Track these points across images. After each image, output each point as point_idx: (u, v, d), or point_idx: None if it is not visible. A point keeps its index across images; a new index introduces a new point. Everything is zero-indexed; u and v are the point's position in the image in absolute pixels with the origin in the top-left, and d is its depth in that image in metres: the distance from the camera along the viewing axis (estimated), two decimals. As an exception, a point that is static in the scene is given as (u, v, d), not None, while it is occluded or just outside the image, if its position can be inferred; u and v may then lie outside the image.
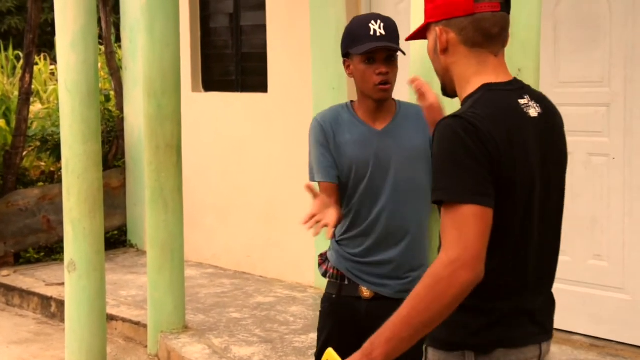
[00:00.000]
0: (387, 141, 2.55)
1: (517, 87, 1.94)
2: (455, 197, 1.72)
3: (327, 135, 2.62)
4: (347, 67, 2.60)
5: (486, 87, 1.86)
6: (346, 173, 2.59)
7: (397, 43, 2.53)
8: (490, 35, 1.86)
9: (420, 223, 2.59)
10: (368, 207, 2.58)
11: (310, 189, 2.50)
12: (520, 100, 1.90)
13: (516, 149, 1.80)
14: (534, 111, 1.92)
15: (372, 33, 2.50)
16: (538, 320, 1.98)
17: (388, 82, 2.52)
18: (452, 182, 1.74)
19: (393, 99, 2.63)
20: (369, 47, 2.47)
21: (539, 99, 1.99)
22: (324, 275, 2.70)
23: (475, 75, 1.88)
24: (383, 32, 2.50)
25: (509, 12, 1.91)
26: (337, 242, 2.66)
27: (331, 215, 2.45)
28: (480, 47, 1.87)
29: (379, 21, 2.52)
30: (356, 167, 2.57)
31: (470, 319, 1.82)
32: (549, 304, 2.07)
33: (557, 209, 1.97)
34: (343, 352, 2.55)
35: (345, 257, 2.62)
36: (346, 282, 2.61)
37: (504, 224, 1.79)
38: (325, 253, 2.73)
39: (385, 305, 2.51)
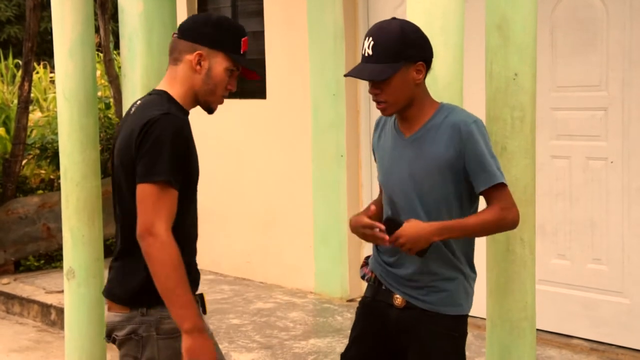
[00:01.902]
0: (410, 149, 2.49)
1: (150, 93, 2.52)
2: None
3: (374, 138, 2.66)
4: None
5: None
6: (380, 176, 2.60)
7: (388, 61, 2.39)
8: (169, 54, 2.52)
9: None
10: (392, 214, 2.54)
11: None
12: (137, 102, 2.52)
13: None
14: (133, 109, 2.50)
15: (362, 52, 2.45)
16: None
17: (381, 101, 2.45)
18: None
19: (436, 103, 2.51)
20: (348, 73, 2.47)
21: (141, 103, 2.49)
22: (363, 277, 2.67)
23: None
24: (370, 52, 2.41)
25: (185, 38, 2.47)
26: (375, 246, 2.62)
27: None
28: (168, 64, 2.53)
29: (370, 38, 2.43)
30: (386, 172, 2.57)
31: None
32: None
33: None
34: (369, 356, 2.58)
35: (380, 263, 2.59)
36: (383, 287, 2.57)
37: None
38: (369, 256, 2.69)
39: (416, 317, 2.51)
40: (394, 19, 2.47)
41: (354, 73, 2.44)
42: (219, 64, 2.47)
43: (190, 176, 2.46)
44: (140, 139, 2.33)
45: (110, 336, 2.50)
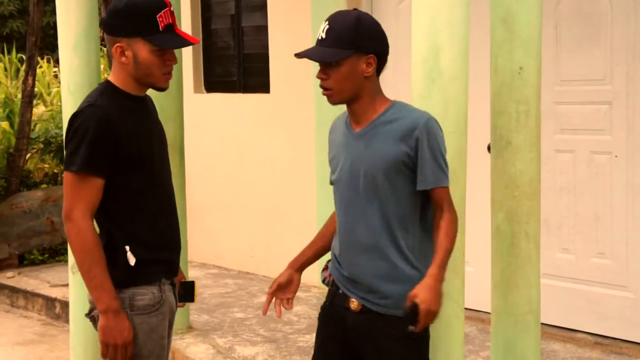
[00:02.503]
0: (360, 143, 2.45)
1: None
2: None
3: (329, 138, 2.62)
4: None
5: None
6: (332, 172, 2.57)
7: (339, 46, 2.37)
8: None
9: (380, 234, 2.43)
10: (340, 211, 2.52)
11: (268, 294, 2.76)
12: None
13: None
14: None
15: (318, 36, 2.44)
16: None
17: (326, 88, 2.43)
18: None
19: (388, 101, 2.48)
20: (299, 53, 2.44)
21: None
22: (323, 281, 2.66)
23: None
24: (323, 36, 2.41)
25: (106, 33, 2.52)
26: (332, 247, 2.61)
27: (289, 290, 2.76)
28: None
29: (326, 22, 2.43)
30: (334, 168, 2.54)
31: None
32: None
33: None
34: None
35: (337, 267, 2.56)
36: (340, 291, 2.54)
37: None
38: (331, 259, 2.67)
39: (371, 320, 2.45)
40: (354, 9, 2.47)
41: (305, 53, 2.43)
42: (141, 50, 2.49)
43: (132, 161, 2.51)
44: (66, 131, 2.51)
45: (90, 314, 2.61)
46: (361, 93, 2.44)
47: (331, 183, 2.59)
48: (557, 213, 4.57)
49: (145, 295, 2.53)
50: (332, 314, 2.57)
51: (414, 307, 2.27)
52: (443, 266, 2.34)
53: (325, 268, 2.65)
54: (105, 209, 2.50)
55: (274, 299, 2.72)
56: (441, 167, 2.39)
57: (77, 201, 2.43)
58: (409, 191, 2.41)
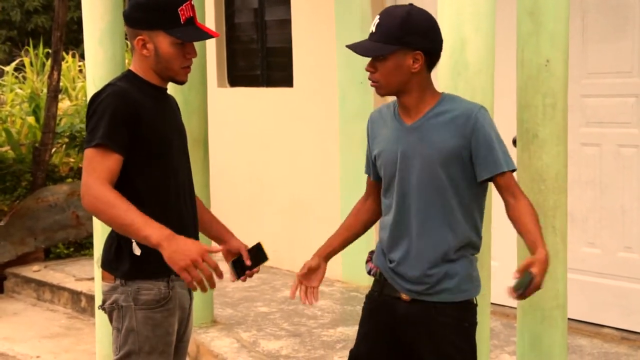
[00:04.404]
0: (413, 137, 2.46)
1: None
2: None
3: (369, 130, 2.64)
4: None
5: None
6: (379, 167, 2.58)
7: (386, 41, 2.41)
8: None
9: (435, 227, 2.46)
10: (393, 205, 2.52)
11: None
12: None
13: None
14: None
15: (370, 29, 2.47)
16: None
17: (374, 80, 2.47)
18: None
19: (438, 94, 2.50)
20: (349, 45, 2.49)
21: None
22: (369, 272, 2.66)
23: None
24: (373, 30, 2.45)
25: (128, 25, 2.53)
26: (380, 239, 2.61)
27: (315, 278, 2.78)
28: None
29: (378, 17, 2.47)
30: (383, 161, 2.55)
31: None
32: None
33: None
34: (376, 353, 2.56)
35: (381, 257, 2.59)
36: (388, 281, 2.55)
37: None
38: (373, 251, 2.68)
39: (424, 310, 2.48)
40: (409, 4, 2.48)
41: (352, 46, 2.48)
42: (162, 42, 2.49)
43: (150, 144, 2.48)
44: (87, 110, 2.49)
45: (103, 306, 2.59)
46: (410, 87, 2.46)
47: (368, 174, 2.66)
48: (583, 207, 4.53)
49: (150, 290, 2.48)
50: (381, 303, 2.58)
51: (530, 277, 2.25)
52: (545, 245, 2.34)
53: (369, 260, 2.64)
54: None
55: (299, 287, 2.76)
56: (503, 151, 2.42)
57: (93, 173, 2.36)
58: (466, 183, 2.44)
